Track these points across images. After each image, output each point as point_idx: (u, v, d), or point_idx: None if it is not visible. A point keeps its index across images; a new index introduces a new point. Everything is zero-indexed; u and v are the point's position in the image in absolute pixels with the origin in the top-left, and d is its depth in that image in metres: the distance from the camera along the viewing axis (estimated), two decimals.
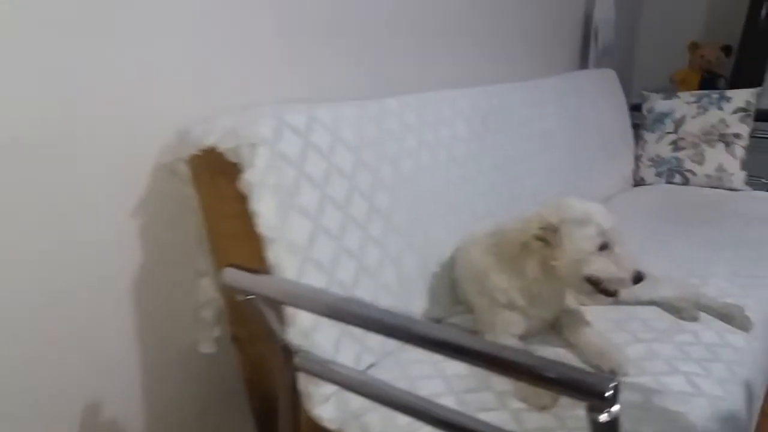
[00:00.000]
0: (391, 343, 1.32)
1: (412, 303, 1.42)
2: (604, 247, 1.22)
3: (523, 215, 1.35)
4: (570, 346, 1.33)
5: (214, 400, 1.46)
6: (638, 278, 1.21)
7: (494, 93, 1.85)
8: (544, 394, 1.13)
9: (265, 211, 1.14)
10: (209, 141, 1.16)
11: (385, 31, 1.69)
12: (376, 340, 1.30)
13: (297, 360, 1.15)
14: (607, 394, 0.72)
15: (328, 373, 1.13)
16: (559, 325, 1.38)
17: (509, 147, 1.88)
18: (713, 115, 2.62)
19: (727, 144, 2.58)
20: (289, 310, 1.16)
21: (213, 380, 1.46)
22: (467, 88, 1.77)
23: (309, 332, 1.17)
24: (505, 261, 1.30)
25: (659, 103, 2.76)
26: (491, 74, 2.15)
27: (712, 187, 2.61)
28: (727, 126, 2.59)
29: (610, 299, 1.26)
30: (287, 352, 1.16)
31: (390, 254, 1.36)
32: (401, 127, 1.48)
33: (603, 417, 0.73)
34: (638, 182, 2.78)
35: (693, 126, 2.65)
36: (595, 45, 2.88)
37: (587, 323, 1.35)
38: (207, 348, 1.39)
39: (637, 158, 2.81)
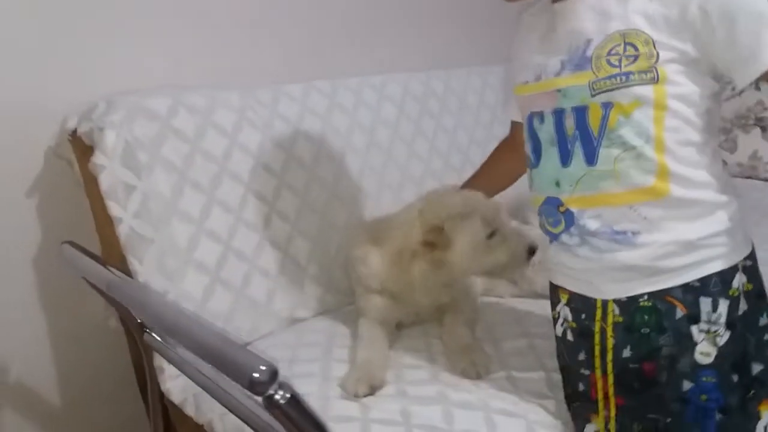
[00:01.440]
0: (270, 326, 1.34)
1: (301, 290, 1.41)
2: (492, 234, 1.19)
3: (405, 205, 1.31)
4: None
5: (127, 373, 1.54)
6: (532, 251, 1.19)
7: (437, 77, 1.78)
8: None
9: (112, 194, 1.19)
10: (71, 125, 1.23)
11: (316, 12, 1.68)
12: (250, 322, 1.31)
13: (146, 337, 1.19)
14: (256, 375, 0.69)
15: (171, 355, 1.16)
16: (441, 318, 1.32)
17: (460, 132, 1.80)
18: (750, 97, 2.31)
19: (765, 129, 2.27)
20: None
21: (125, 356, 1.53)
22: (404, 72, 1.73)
23: None
24: (387, 255, 1.26)
25: None
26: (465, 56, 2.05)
27: (744, 177, 2.31)
28: (766, 109, 2.28)
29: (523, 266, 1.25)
30: (141, 328, 1.21)
31: (272, 239, 1.37)
32: (302, 111, 1.47)
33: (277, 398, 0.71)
34: None
35: (725, 109, 2.36)
36: None
37: (464, 320, 1.28)
38: (114, 323, 1.47)
39: None
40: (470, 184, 1.30)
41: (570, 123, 0.89)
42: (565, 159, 0.90)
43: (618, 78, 0.83)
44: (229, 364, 0.73)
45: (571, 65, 0.88)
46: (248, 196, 1.35)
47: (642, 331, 0.91)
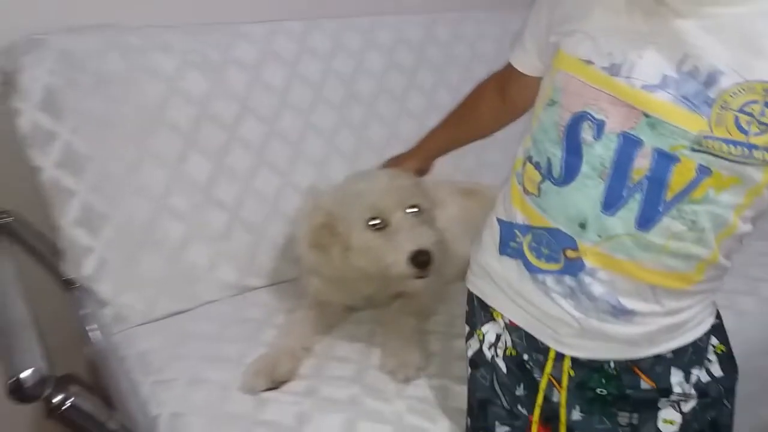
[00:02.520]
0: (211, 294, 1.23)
1: (252, 256, 1.27)
2: (382, 226, 1.00)
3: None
4: None
5: None
6: (419, 259, 0.95)
7: (441, 22, 1.54)
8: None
9: (31, 140, 1.09)
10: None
11: None
12: (187, 289, 1.20)
13: None
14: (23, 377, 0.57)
15: None
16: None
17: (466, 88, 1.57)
18: None
19: None
20: None
21: None
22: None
23: None
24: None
25: None
26: None
27: None
28: None
29: (419, 282, 1.01)
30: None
31: (218, 199, 1.23)
32: (263, 56, 1.30)
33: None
34: None
35: None
36: None
37: (415, 308, 1.11)
38: None
39: None
40: (442, 131, 1.08)
41: (642, 165, 0.63)
42: (611, 206, 0.65)
43: (738, 148, 0.59)
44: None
45: (679, 92, 0.60)
46: (189, 151, 1.21)
47: (598, 391, 0.74)
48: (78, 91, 1.12)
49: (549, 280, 0.71)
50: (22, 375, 0.57)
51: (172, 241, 1.19)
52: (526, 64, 0.83)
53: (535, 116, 0.73)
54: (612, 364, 0.73)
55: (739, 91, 0.58)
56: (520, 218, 0.74)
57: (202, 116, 1.22)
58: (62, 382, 0.61)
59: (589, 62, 0.65)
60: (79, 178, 1.11)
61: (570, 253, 0.68)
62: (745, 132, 0.58)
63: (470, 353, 0.85)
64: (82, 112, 1.12)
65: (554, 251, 0.70)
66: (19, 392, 0.57)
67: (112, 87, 1.14)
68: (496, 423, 0.81)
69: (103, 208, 1.13)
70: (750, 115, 0.58)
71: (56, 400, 0.60)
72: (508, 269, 0.75)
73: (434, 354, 1.05)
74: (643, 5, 0.62)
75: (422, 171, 1.13)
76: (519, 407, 0.79)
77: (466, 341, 0.87)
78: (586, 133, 0.66)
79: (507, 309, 0.79)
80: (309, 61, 1.35)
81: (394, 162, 1.13)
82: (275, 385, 0.95)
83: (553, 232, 0.69)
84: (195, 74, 1.22)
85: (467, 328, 0.87)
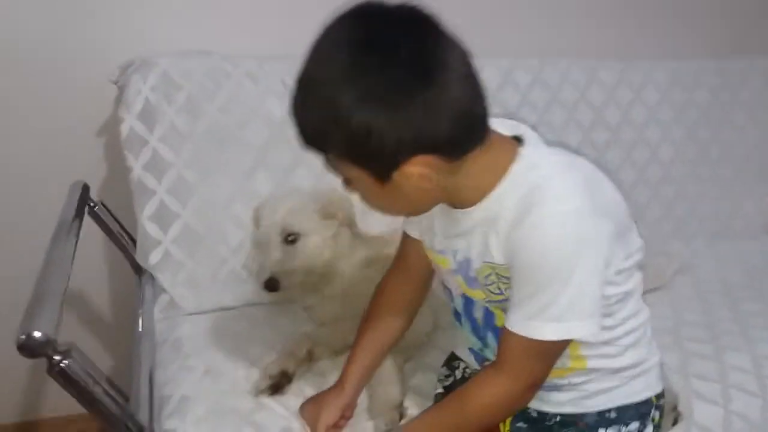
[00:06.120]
0: None
1: None
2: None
3: None
4: None
5: None
6: (269, 285, 1.19)
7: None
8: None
9: (128, 144, 1.29)
10: (113, 77, 1.35)
11: None
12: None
13: None
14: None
15: None
16: None
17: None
18: None
19: None
20: None
21: None
22: None
23: None
24: None
25: None
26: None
27: None
28: None
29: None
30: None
31: None
32: None
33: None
34: None
35: None
36: None
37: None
38: None
39: None
40: (361, 353, 1.01)
41: (479, 315, 0.90)
42: (483, 341, 0.92)
43: (505, 303, 0.82)
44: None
45: (463, 275, 0.87)
46: (257, 167, 1.35)
47: (547, 423, 0.92)
48: (170, 106, 1.30)
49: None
50: (34, 333, 0.71)
51: (229, 245, 1.34)
52: (416, 231, 0.97)
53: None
54: (558, 418, 0.91)
55: (481, 270, 0.82)
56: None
57: (274, 138, 1.36)
58: (64, 347, 0.74)
59: (430, 247, 0.92)
60: (160, 180, 1.30)
61: (486, 363, 0.94)
62: (500, 293, 0.82)
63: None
64: (171, 125, 1.30)
65: (479, 359, 0.97)
66: (26, 347, 0.70)
67: (199, 105, 1.31)
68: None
69: (175, 208, 1.30)
70: (494, 282, 0.82)
71: (55, 359, 0.73)
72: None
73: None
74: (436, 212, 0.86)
75: (350, 406, 1.01)
76: None
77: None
78: (447, 293, 0.95)
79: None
80: None
81: (316, 407, 0.99)
82: (276, 383, 1.06)
83: (471, 350, 0.98)
84: (274, 100, 1.36)
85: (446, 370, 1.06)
